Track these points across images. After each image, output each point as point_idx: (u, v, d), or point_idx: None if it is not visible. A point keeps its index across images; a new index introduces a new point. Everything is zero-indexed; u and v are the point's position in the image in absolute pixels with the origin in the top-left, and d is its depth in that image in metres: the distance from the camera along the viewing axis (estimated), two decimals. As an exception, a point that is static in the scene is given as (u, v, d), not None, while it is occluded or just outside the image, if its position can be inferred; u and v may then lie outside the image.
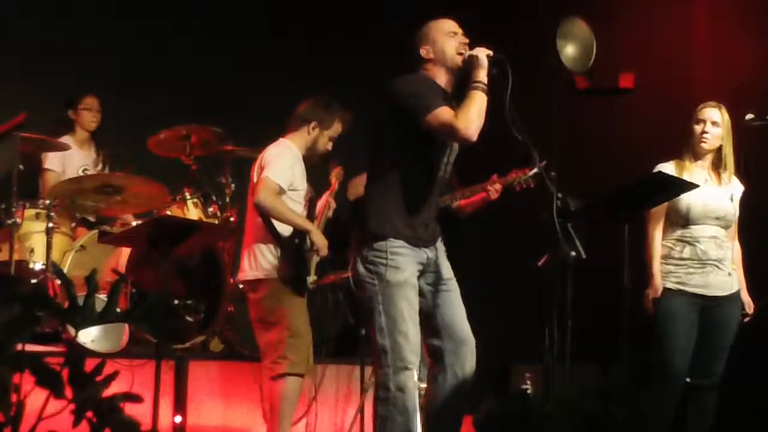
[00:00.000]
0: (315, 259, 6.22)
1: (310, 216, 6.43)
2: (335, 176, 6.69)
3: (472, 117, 4.89)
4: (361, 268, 5.08)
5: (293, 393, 6.08)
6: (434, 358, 5.21)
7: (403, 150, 5.09)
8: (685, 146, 6.29)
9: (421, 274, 5.15)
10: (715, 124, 6.21)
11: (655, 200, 6.02)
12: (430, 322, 5.15)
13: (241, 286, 6.61)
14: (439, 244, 5.28)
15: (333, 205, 6.57)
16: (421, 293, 5.13)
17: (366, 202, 5.25)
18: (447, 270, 5.25)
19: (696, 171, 6.23)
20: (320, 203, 6.61)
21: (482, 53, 5.03)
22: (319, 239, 6.16)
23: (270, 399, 6.20)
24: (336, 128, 6.40)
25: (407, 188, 5.10)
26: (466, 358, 5.14)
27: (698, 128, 6.23)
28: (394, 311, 4.97)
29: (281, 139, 6.35)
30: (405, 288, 5.02)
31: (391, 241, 5.02)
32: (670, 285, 6.18)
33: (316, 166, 6.60)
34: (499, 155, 5.66)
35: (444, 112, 4.92)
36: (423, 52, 5.16)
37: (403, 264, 5.03)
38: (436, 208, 5.31)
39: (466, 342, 5.16)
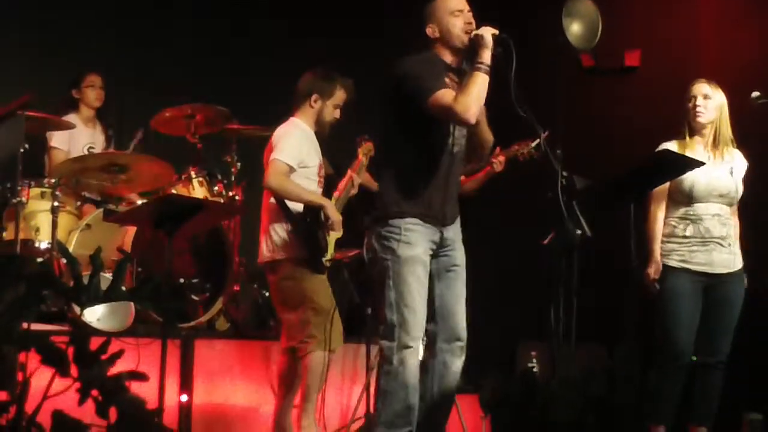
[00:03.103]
0: (334, 236, 6.20)
1: (328, 192, 6.39)
2: (363, 152, 6.56)
3: (470, 100, 4.93)
4: (375, 244, 5.17)
5: (320, 368, 6.08)
6: (428, 341, 5.27)
7: (411, 129, 5.14)
8: (685, 125, 6.29)
9: (434, 254, 5.19)
10: (706, 96, 6.22)
11: (661, 179, 6.01)
12: (430, 305, 5.19)
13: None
14: (457, 227, 5.31)
15: (357, 181, 6.48)
16: (429, 275, 5.18)
17: (380, 181, 5.34)
18: (459, 256, 5.30)
19: (698, 149, 6.23)
20: (342, 181, 6.55)
21: (487, 32, 5.03)
22: (333, 214, 6.12)
23: (284, 377, 6.26)
24: (339, 96, 6.34)
25: (420, 167, 5.15)
26: (455, 354, 5.23)
27: (691, 104, 6.24)
28: (403, 286, 5.06)
29: (290, 118, 6.33)
30: (415, 264, 5.09)
31: (405, 219, 5.10)
32: (673, 263, 6.19)
33: (344, 141, 6.56)
34: (503, 130, 5.65)
35: (443, 96, 4.96)
36: (429, 31, 5.19)
37: (416, 240, 5.10)
38: (457, 186, 5.33)
39: (459, 337, 5.24)
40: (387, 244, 5.11)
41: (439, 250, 5.22)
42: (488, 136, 5.36)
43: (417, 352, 5.10)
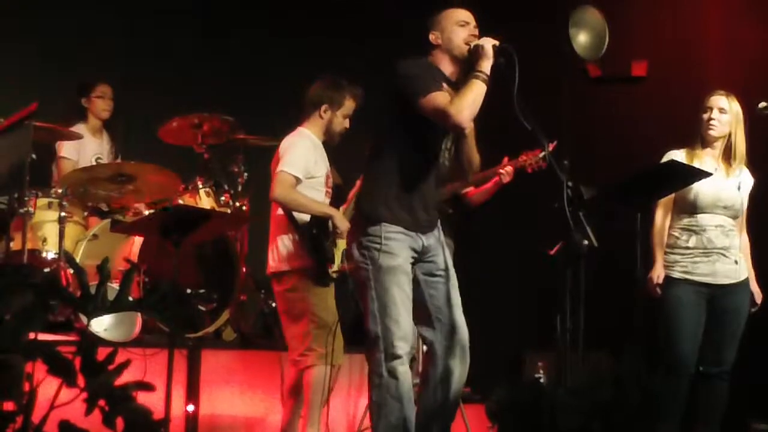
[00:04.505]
0: (341, 247, 6.20)
1: (336, 202, 6.38)
2: None
3: (465, 104, 4.90)
4: (356, 253, 5.07)
5: (320, 382, 6.07)
6: (428, 350, 5.22)
7: (402, 133, 5.10)
8: (696, 135, 6.29)
9: (416, 261, 5.13)
10: (722, 110, 6.22)
11: (668, 188, 6.02)
12: (424, 312, 5.13)
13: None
14: (438, 233, 5.26)
15: None
16: (415, 282, 5.11)
17: (363, 186, 5.30)
18: (444, 260, 5.22)
19: (706, 159, 6.22)
20: (352, 192, 6.55)
21: (488, 43, 5.03)
22: (341, 223, 6.12)
23: (291, 388, 6.27)
24: (349, 105, 6.33)
25: (405, 172, 5.09)
26: (456, 355, 5.12)
27: (706, 116, 6.24)
28: (385, 297, 4.97)
29: (298, 128, 6.33)
30: (397, 274, 5.00)
31: (385, 226, 5.02)
32: (676, 275, 6.19)
33: (355, 149, 6.55)
34: (511, 141, 5.67)
35: (438, 97, 4.94)
36: (432, 37, 5.19)
37: (397, 249, 5.02)
38: (437, 195, 5.31)
39: (458, 337, 5.12)
40: (367, 253, 5.02)
41: (421, 257, 5.14)
42: (475, 156, 5.30)
43: (405, 361, 5.01)
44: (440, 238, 5.27)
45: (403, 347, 4.98)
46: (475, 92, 4.93)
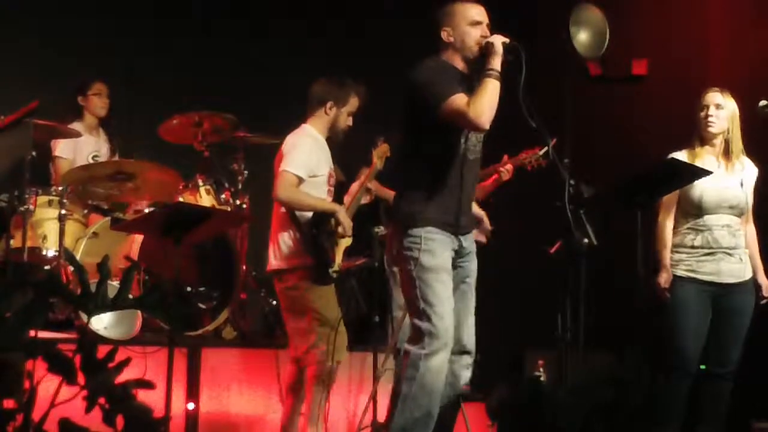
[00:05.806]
0: (342, 245, 6.20)
1: (339, 199, 6.38)
2: (378, 154, 6.50)
3: (484, 106, 4.93)
4: (398, 255, 5.17)
5: (323, 378, 6.07)
6: None
7: (427, 137, 5.13)
8: (695, 135, 6.28)
9: (454, 262, 5.19)
10: (718, 106, 6.20)
11: (669, 187, 6.00)
12: None
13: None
14: (472, 237, 5.33)
15: (370, 186, 6.49)
16: None
17: (399, 189, 5.34)
18: (473, 268, 5.30)
19: (708, 159, 6.21)
20: (354, 184, 6.55)
21: (498, 40, 5.04)
22: (344, 219, 6.13)
23: (291, 385, 6.27)
24: (353, 103, 6.34)
25: (437, 175, 5.14)
26: (462, 366, 5.24)
27: (703, 114, 6.22)
28: (430, 294, 5.05)
29: (301, 126, 6.33)
30: (439, 272, 5.08)
31: (425, 228, 5.08)
32: (681, 273, 6.17)
33: (356, 145, 6.54)
34: (512, 138, 5.66)
35: (457, 101, 4.96)
36: (444, 34, 5.19)
37: (437, 249, 5.09)
38: (472, 194, 5.33)
39: (469, 350, 5.25)
40: (410, 254, 5.09)
41: (457, 259, 5.21)
42: None
43: (446, 359, 5.06)
44: (473, 243, 5.34)
45: (446, 343, 5.04)
46: (491, 92, 4.96)
